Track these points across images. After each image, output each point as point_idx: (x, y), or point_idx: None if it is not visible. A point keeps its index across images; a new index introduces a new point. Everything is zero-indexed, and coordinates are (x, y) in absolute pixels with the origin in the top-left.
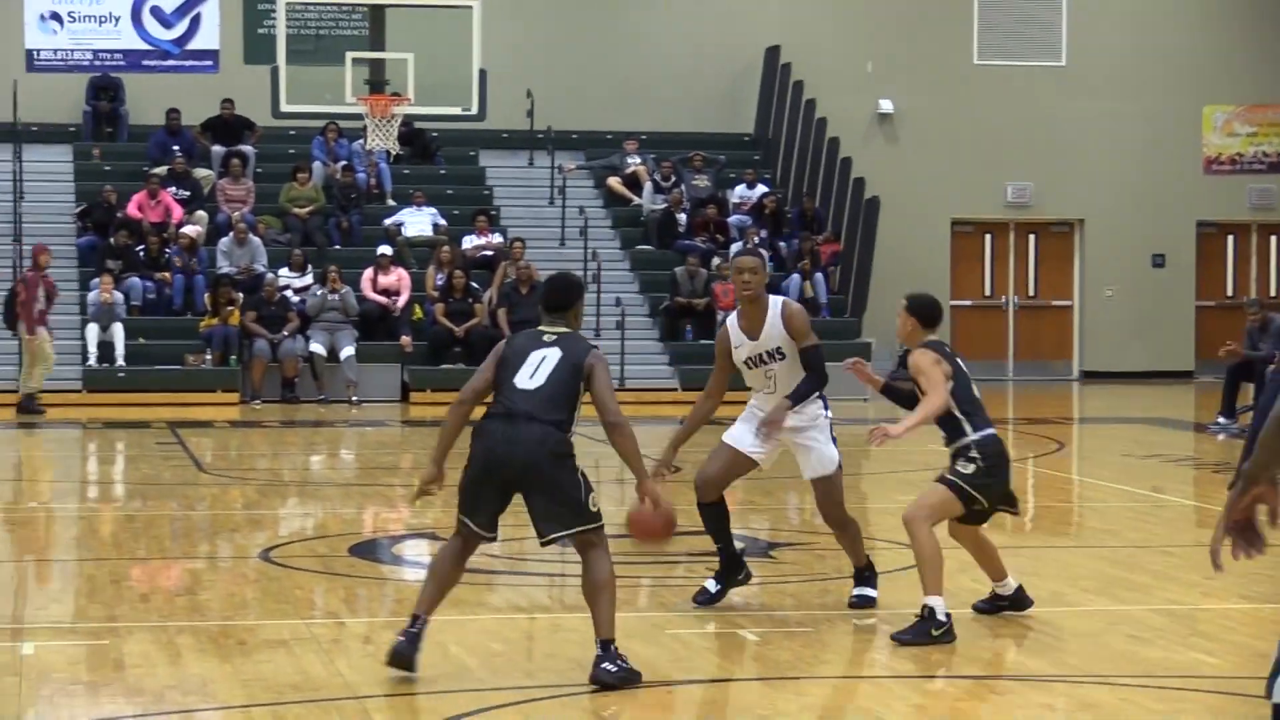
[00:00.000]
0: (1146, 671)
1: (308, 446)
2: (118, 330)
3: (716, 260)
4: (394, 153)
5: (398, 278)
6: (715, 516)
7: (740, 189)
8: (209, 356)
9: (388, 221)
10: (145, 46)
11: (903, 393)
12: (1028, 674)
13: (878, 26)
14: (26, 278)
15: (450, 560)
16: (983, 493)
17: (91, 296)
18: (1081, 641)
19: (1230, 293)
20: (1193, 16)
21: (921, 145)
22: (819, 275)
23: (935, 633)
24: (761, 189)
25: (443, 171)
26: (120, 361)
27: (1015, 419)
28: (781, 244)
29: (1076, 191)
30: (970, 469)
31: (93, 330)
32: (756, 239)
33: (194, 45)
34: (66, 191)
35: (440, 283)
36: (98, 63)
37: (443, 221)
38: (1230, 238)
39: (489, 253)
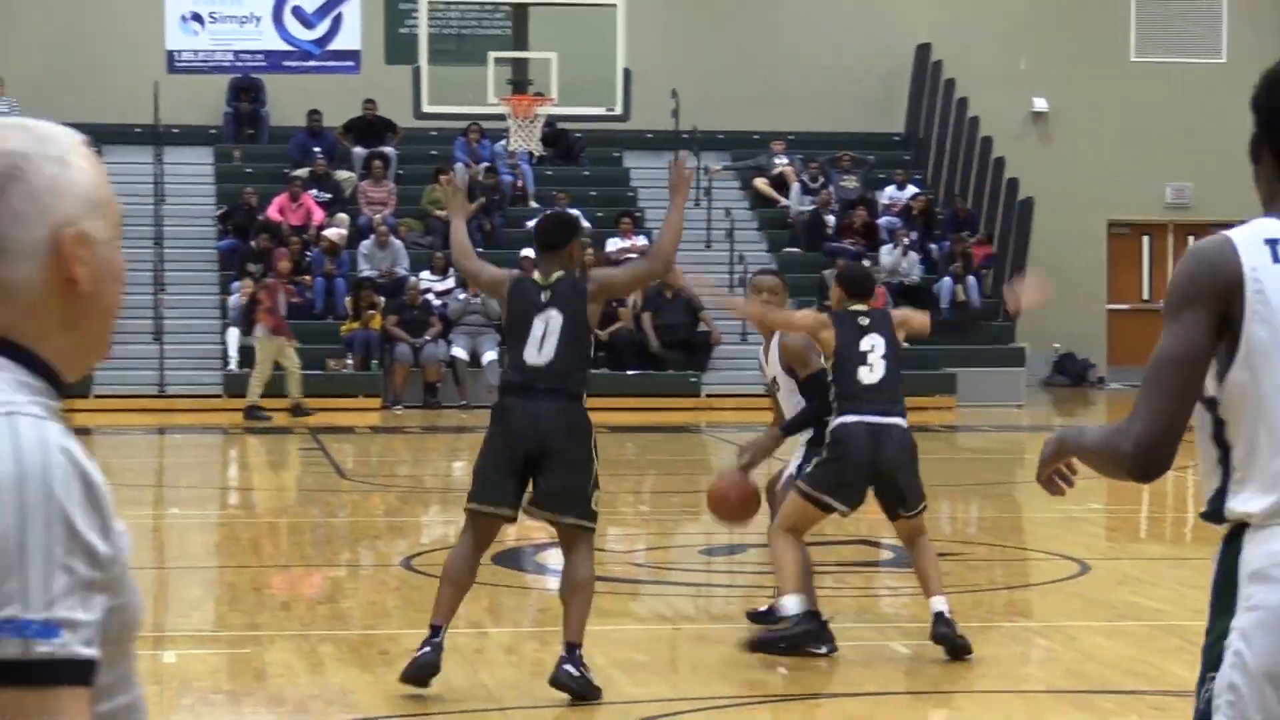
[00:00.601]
0: None
1: (450, 452)
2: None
3: (867, 262)
4: (537, 154)
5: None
6: None
7: (890, 190)
8: (350, 361)
9: (530, 224)
10: (286, 47)
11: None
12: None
13: (1031, 23)
14: (268, 283)
15: (464, 560)
16: (832, 493)
17: (232, 300)
18: None
19: None
20: None
21: (1077, 144)
22: (971, 278)
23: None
24: (912, 190)
25: (586, 173)
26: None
27: None
28: (933, 246)
29: (1238, 192)
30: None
31: (233, 334)
32: (906, 241)
33: (335, 46)
34: (207, 194)
35: None
36: (239, 64)
37: (587, 224)
38: None
39: (633, 255)
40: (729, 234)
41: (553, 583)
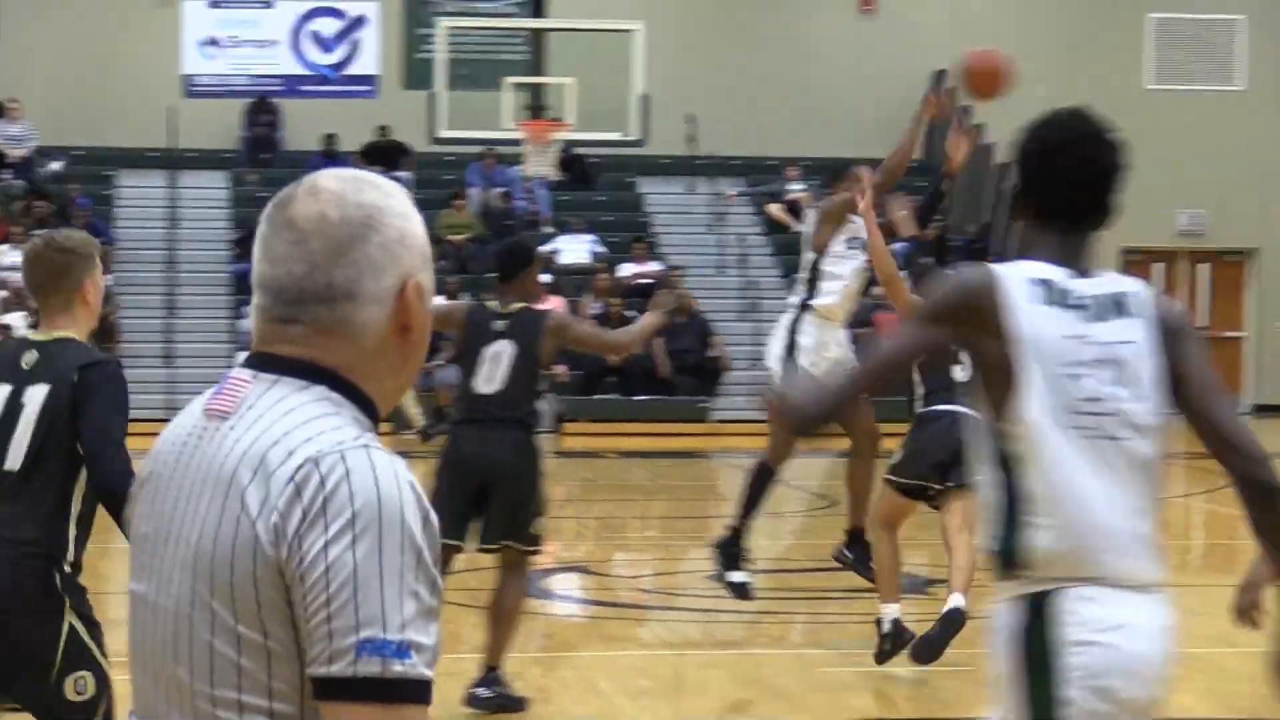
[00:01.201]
0: None
1: None
2: None
3: (878, 290)
4: (553, 179)
5: (553, 305)
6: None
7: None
8: None
9: (545, 248)
10: (304, 71)
11: None
12: (1192, 715)
13: (1048, 50)
14: None
15: None
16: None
17: (243, 324)
18: (1250, 684)
19: None
20: None
21: None
22: None
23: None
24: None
25: (601, 198)
26: None
27: (1186, 453)
28: (948, 272)
29: (1253, 220)
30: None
31: (242, 358)
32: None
33: (352, 70)
34: (223, 218)
35: (598, 311)
36: (256, 88)
37: (601, 249)
38: None
39: (647, 281)
40: (742, 259)
41: (559, 607)
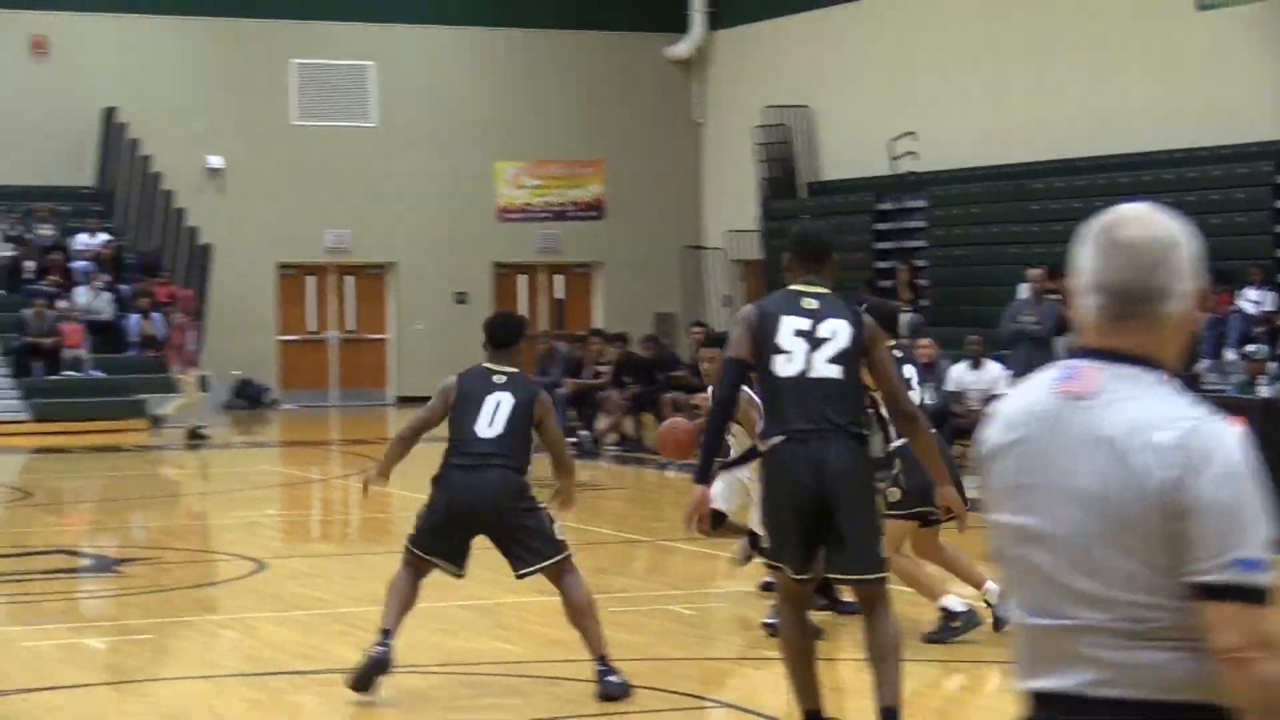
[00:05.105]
0: (452, 660)
1: None
2: None
3: (63, 302)
4: None
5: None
6: None
7: (83, 237)
8: None
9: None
10: None
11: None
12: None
13: (206, 90)
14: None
15: (409, 584)
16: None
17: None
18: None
19: None
20: (483, 82)
21: (248, 196)
22: (156, 314)
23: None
24: (104, 237)
25: None
26: None
27: (340, 440)
28: (123, 287)
29: (389, 237)
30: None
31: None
32: (99, 283)
33: None
34: None
35: None
36: None
37: None
38: (523, 276)
39: None
40: None
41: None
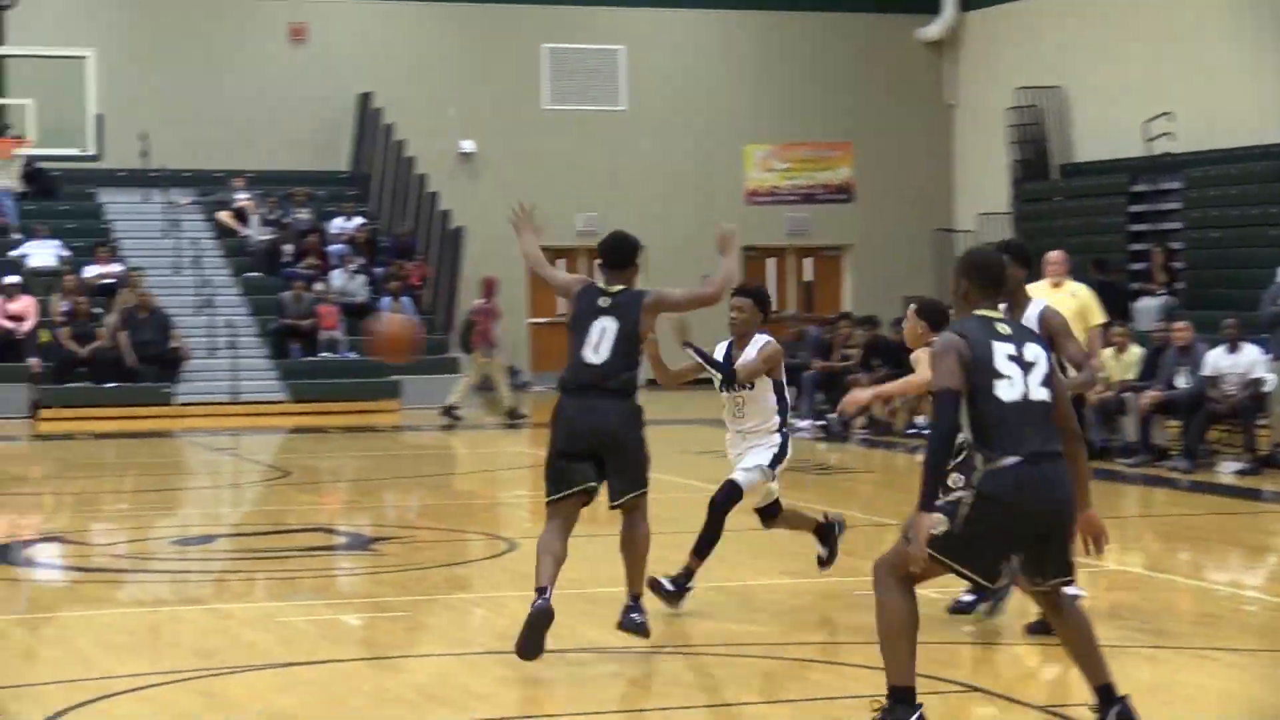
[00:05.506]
0: (706, 641)
1: None
2: None
3: (319, 285)
4: (17, 190)
5: (24, 305)
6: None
7: (339, 221)
8: None
9: (13, 253)
10: None
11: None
12: (597, 646)
13: (460, 74)
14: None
15: (558, 537)
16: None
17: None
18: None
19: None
20: (732, 65)
21: (499, 180)
22: (406, 297)
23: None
24: (358, 220)
25: (64, 207)
26: None
27: None
28: (377, 270)
29: (638, 221)
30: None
31: None
32: (354, 266)
33: None
34: None
35: (66, 309)
36: None
37: (66, 253)
38: (771, 260)
39: (110, 281)
40: (196, 260)
41: (40, 574)
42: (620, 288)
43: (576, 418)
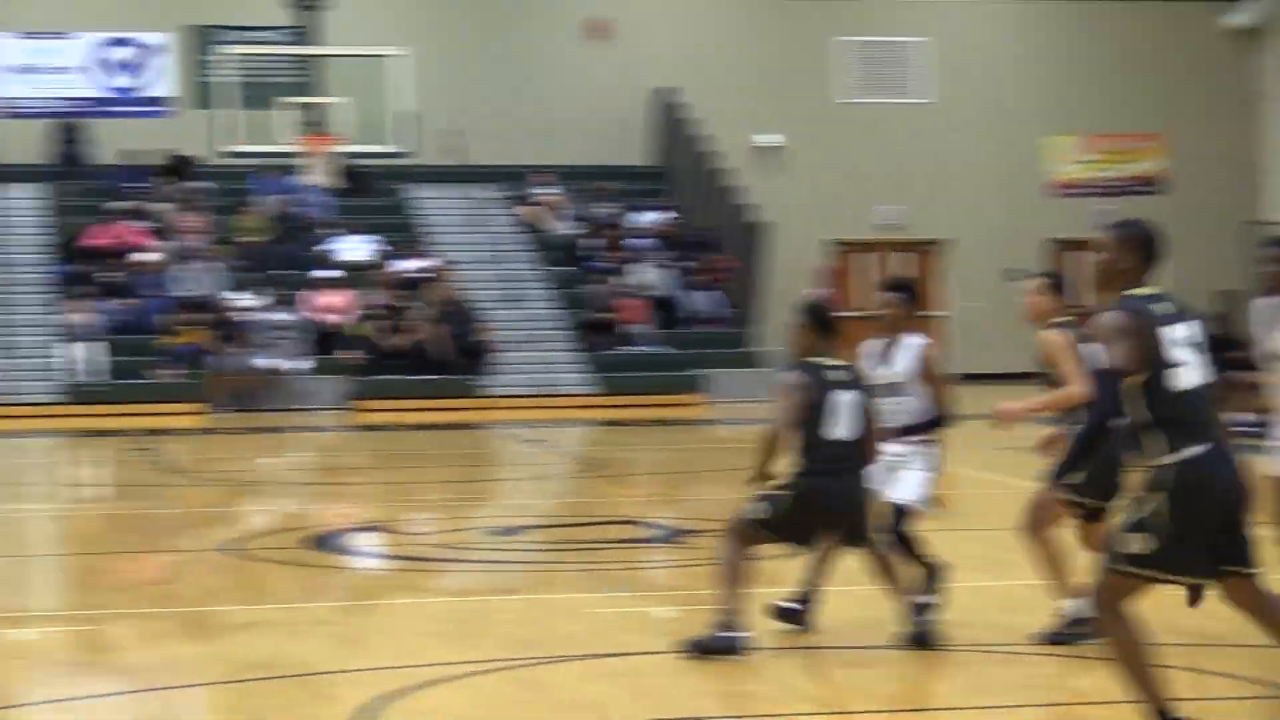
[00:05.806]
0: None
1: (263, 449)
2: (94, 348)
3: (617, 279)
4: (333, 187)
5: (341, 298)
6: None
7: (645, 215)
8: (175, 371)
9: (318, 247)
10: (105, 94)
11: None
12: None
13: (759, 67)
14: None
15: (741, 556)
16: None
17: (68, 319)
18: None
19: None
20: (1038, 56)
21: (799, 174)
22: (713, 292)
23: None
24: (661, 214)
25: (377, 203)
26: (97, 376)
27: None
28: (683, 263)
29: (944, 213)
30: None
31: (68, 348)
32: (658, 259)
33: (149, 92)
34: (44, 225)
35: (381, 303)
36: (63, 109)
37: (380, 247)
38: (1074, 254)
39: (423, 275)
40: (503, 255)
41: (361, 563)
42: (844, 362)
43: (832, 502)
